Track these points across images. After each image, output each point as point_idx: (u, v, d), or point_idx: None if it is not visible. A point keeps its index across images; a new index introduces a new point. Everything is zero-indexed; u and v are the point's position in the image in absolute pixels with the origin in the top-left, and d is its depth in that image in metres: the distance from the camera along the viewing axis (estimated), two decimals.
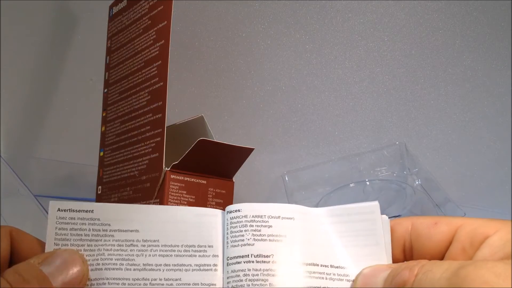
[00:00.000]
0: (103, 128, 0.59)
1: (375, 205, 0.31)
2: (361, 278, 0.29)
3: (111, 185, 0.55)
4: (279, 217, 0.31)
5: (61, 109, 0.73)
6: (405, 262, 0.29)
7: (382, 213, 0.31)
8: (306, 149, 0.79)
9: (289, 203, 0.74)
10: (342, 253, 0.31)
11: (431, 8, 0.77)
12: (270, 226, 0.31)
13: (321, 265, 0.30)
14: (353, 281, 0.30)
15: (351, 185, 0.75)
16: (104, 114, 0.59)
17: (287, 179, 0.77)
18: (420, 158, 0.77)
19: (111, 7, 0.61)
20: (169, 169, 0.47)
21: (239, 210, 0.32)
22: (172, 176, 0.47)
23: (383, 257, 0.30)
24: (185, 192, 0.47)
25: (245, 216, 0.32)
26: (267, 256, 0.30)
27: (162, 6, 0.52)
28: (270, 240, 0.31)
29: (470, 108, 0.81)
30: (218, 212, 0.32)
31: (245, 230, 0.31)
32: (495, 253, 0.26)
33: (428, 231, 0.30)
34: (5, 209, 0.61)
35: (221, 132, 0.75)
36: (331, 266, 0.30)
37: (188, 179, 0.48)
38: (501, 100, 0.81)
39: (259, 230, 0.31)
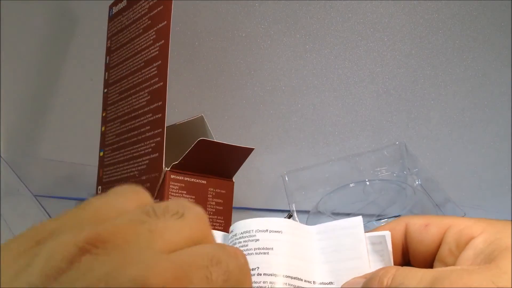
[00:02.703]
0: (103, 128, 0.59)
1: (358, 220, 0.31)
2: None
3: (111, 185, 0.55)
4: (266, 230, 0.31)
5: (61, 109, 0.73)
6: (377, 270, 0.29)
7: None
8: (306, 149, 0.79)
9: (289, 203, 0.74)
10: (326, 268, 0.31)
11: (431, 8, 0.77)
12: (257, 240, 0.31)
13: (305, 280, 0.30)
14: None
15: (351, 185, 0.75)
16: (104, 114, 0.59)
17: (287, 179, 0.77)
18: (420, 158, 0.77)
19: (111, 7, 0.61)
20: (169, 169, 0.47)
21: (232, 231, 0.33)
22: (172, 176, 0.47)
23: (366, 270, 0.30)
24: (185, 192, 0.47)
25: (235, 235, 0.32)
26: (253, 269, 0.30)
27: (162, 6, 0.52)
28: (256, 253, 0.31)
29: (470, 108, 0.81)
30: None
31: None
32: (478, 256, 0.26)
33: (420, 233, 0.30)
34: (5, 209, 0.61)
35: (221, 132, 0.75)
36: (314, 282, 0.30)
37: (188, 179, 0.48)
38: (501, 100, 0.81)
39: (246, 245, 0.31)
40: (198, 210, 0.22)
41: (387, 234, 0.30)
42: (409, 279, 0.25)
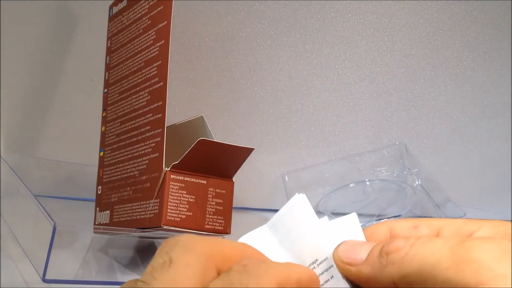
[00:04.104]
0: (103, 128, 0.59)
1: (298, 197, 0.29)
2: (341, 254, 0.27)
3: (111, 185, 0.55)
4: None
5: (61, 109, 0.73)
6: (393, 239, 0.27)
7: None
8: (306, 149, 0.79)
9: None
10: (287, 255, 0.29)
11: (431, 8, 0.77)
12: None
13: None
14: (326, 260, 0.28)
15: (351, 185, 0.75)
16: (104, 114, 0.59)
17: (287, 179, 0.77)
18: (420, 158, 0.77)
19: (111, 7, 0.61)
20: (169, 169, 0.47)
21: None
22: (172, 176, 0.47)
23: (326, 239, 0.28)
24: (185, 192, 0.47)
25: None
26: None
27: (162, 6, 0.52)
28: None
29: (470, 108, 0.81)
30: None
31: None
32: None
33: (409, 235, 0.28)
34: (5, 209, 0.61)
35: (221, 132, 0.75)
36: None
37: (188, 179, 0.48)
38: (501, 100, 0.81)
39: None
40: (185, 243, 0.24)
41: (353, 214, 0.29)
42: (436, 238, 0.25)
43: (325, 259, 0.28)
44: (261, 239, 0.30)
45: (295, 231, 0.29)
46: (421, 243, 0.24)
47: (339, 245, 0.28)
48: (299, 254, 0.29)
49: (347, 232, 0.29)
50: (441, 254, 0.23)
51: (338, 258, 0.27)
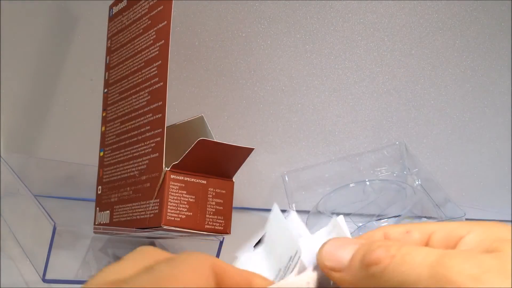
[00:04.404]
0: (103, 128, 0.59)
1: (274, 209, 0.29)
2: (324, 256, 0.27)
3: (111, 185, 0.55)
4: None
5: (61, 109, 0.73)
6: (377, 240, 0.27)
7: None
8: (306, 149, 0.79)
9: (289, 203, 0.74)
10: (270, 266, 0.29)
11: (431, 8, 0.77)
12: None
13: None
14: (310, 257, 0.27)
15: (351, 185, 0.75)
16: (104, 114, 0.59)
17: (287, 179, 0.77)
18: (420, 158, 0.77)
19: (111, 7, 0.61)
20: (169, 169, 0.47)
21: None
22: (172, 176, 0.47)
23: (297, 243, 0.28)
24: (185, 192, 0.47)
25: None
26: None
27: (162, 6, 0.52)
28: None
29: (470, 108, 0.81)
30: None
31: None
32: (473, 250, 0.25)
33: (401, 240, 0.28)
34: (5, 209, 0.61)
35: (221, 132, 0.75)
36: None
37: (188, 179, 0.48)
38: (501, 100, 0.81)
39: None
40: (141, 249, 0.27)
41: (338, 218, 0.29)
42: (416, 250, 0.24)
43: (296, 252, 0.27)
44: (253, 260, 0.30)
45: (273, 241, 0.29)
46: (401, 256, 0.24)
47: (323, 244, 0.27)
48: (279, 260, 0.29)
49: (333, 232, 0.29)
50: (420, 271, 0.23)
51: (321, 262, 0.27)
